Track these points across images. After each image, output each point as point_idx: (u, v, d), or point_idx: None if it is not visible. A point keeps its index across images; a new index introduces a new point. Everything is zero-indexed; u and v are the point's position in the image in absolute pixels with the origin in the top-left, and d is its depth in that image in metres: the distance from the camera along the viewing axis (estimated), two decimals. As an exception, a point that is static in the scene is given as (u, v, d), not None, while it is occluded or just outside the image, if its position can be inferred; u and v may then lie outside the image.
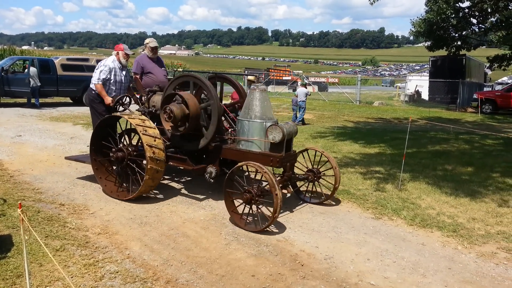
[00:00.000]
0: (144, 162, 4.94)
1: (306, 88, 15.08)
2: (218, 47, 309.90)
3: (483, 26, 22.58)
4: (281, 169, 5.09)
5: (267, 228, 4.36)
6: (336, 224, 4.73)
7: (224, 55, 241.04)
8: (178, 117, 4.77)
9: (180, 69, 5.97)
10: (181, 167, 5.96)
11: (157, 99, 5.65)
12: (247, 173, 5.55)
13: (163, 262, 3.65)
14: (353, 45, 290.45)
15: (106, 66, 6.09)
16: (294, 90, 21.02)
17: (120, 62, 6.20)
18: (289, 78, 34.93)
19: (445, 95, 24.66)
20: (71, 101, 17.25)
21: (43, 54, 41.25)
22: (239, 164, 4.51)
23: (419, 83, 30.53)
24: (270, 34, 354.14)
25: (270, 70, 40.65)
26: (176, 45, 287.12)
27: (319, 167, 5.41)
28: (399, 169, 6.60)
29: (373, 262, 3.84)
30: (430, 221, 4.87)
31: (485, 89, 28.59)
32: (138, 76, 6.53)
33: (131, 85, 6.68)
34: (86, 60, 17.67)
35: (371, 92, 37.97)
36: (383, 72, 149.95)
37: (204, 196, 5.51)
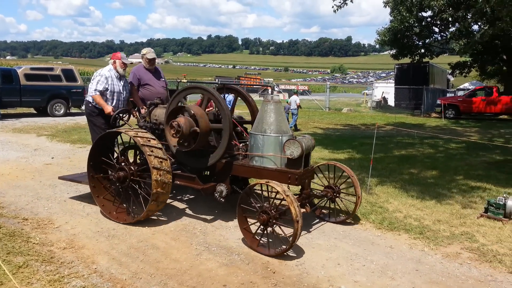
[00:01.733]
0: (148, 181, 4.58)
1: (297, 96, 16.20)
2: (188, 55, 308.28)
3: (445, 35, 23.54)
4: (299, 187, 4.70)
5: (241, 238, 4.34)
6: (306, 229, 4.76)
7: (194, 64, 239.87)
8: (186, 133, 4.41)
9: (184, 80, 5.66)
10: (187, 186, 5.10)
11: (159, 112, 5.27)
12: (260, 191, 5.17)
13: (131, 275, 3.56)
14: (321, 53, 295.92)
15: (102, 75, 5.72)
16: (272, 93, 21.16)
17: (117, 71, 5.85)
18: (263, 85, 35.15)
19: (410, 101, 25.47)
20: (35, 111, 16.69)
21: (6, 63, 39.81)
22: (257, 182, 4.16)
23: (386, 90, 31.42)
24: (240, 42, 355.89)
25: (241, 78, 40.79)
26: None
27: (336, 182, 5.04)
28: (367, 174, 6.73)
29: (343, 266, 3.89)
30: (397, 224, 4.99)
31: (448, 95, 29.70)
32: (135, 88, 6.17)
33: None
34: (51, 69, 17.17)
35: (339, 99, 38.76)
36: (351, 79, 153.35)
37: (174, 206, 5.43)
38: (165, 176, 4.45)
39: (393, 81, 30.61)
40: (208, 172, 5.06)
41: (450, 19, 20.01)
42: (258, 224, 4.10)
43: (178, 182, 4.84)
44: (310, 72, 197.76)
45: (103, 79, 5.71)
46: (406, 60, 26.49)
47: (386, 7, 21.29)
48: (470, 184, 6.96)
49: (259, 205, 4.07)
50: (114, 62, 5.87)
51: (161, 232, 4.54)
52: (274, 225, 4.00)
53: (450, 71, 30.47)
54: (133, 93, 6.10)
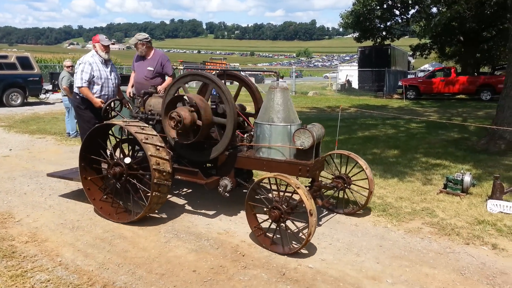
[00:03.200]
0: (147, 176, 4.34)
1: (282, 79, 15.78)
2: (152, 40, 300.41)
3: (405, 17, 24.08)
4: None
5: (210, 223, 4.34)
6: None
7: (158, 49, 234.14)
8: (188, 124, 4.10)
9: (181, 67, 5.35)
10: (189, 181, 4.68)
11: (154, 102, 4.95)
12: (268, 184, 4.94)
13: (98, 266, 3.50)
14: (287, 37, 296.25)
15: (86, 62, 5.30)
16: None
17: (100, 56, 5.40)
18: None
19: (373, 84, 26.06)
20: (-11, 102, 15.84)
21: (-46, 51, 37.38)
22: (266, 175, 3.89)
23: (350, 72, 31.96)
24: (204, 26, 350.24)
25: (206, 63, 40.24)
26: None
27: (347, 172, 4.87)
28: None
29: (311, 246, 3.97)
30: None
31: (409, 76, 30.55)
32: (129, 87, 5.94)
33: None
34: (5, 57, 16.27)
35: (305, 82, 39.08)
36: (316, 63, 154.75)
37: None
38: (164, 164, 4.16)
39: (357, 64, 31.13)
40: (210, 165, 4.79)
41: (410, 2, 20.52)
42: (268, 220, 3.86)
43: (180, 177, 4.51)
44: (276, 56, 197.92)
45: (87, 66, 5.28)
46: (369, 43, 26.96)
47: (348, -10, 21.48)
48: (430, 162, 7.25)
49: (269, 200, 3.85)
50: (94, 46, 5.44)
51: (128, 221, 4.47)
52: (287, 221, 3.76)
53: (410, 53, 31.30)
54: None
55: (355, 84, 29.83)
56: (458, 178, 5.43)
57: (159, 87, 5.47)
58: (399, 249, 3.94)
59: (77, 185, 5.65)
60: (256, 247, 3.92)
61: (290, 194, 3.85)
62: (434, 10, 19.75)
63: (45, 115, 13.67)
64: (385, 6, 23.06)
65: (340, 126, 7.10)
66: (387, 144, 8.84)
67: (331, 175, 4.94)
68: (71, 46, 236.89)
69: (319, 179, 4.50)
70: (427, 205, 5.07)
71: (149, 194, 4.21)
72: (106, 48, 5.42)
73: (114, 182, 4.46)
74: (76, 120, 9.70)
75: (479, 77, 22.48)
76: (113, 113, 5.33)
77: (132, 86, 5.93)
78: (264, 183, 4.15)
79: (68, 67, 9.74)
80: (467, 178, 5.38)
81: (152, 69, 5.86)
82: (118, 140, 4.83)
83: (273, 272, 3.46)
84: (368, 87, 26.60)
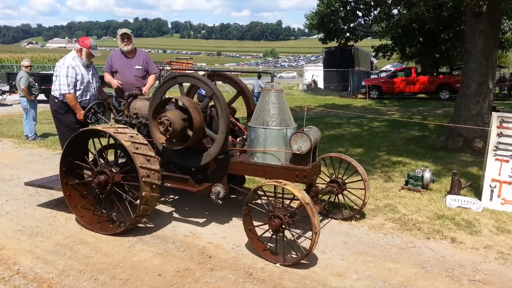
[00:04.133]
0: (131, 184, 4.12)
1: (260, 79, 16.49)
2: (114, 39, 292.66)
3: (367, 19, 24.69)
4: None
5: (176, 226, 4.28)
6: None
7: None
8: (178, 129, 3.89)
9: (168, 67, 5.08)
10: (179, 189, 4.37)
11: (139, 104, 4.68)
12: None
13: (59, 273, 3.37)
14: (253, 37, 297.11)
15: (69, 66, 4.91)
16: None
17: (82, 59, 5.06)
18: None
19: (338, 84, 26.60)
20: None
21: None
22: (265, 182, 3.70)
23: (315, 73, 32.46)
24: (170, 26, 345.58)
25: (172, 63, 39.76)
26: (66, 37, 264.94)
27: (340, 175, 4.72)
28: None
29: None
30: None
31: (372, 76, 31.37)
32: (107, 75, 5.60)
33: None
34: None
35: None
36: (283, 63, 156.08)
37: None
38: (154, 176, 3.93)
39: (322, 65, 31.66)
40: (202, 171, 4.50)
41: (372, 3, 21.02)
42: (265, 228, 3.67)
43: (169, 185, 4.22)
44: (243, 56, 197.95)
45: (71, 70, 4.91)
46: (333, 43, 27.46)
47: (313, -9, 21.80)
48: (392, 159, 7.46)
49: (269, 208, 3.64)
50: (80, 50, 5.03)
51: (91, 226, 4.33)
52: (286, 230, 3.57)
53: (373, 54, 32.14)
54: (105, 78, 5.61)
55: (320, 84, 30.34)
56: (419, 175, 5.61)
57: (144, 89, 5.27)
58: (363, 245, 4.03)
59: (36, 190, 5.43)
60: (223, 248, 3.90)
61: (288, 201, 3.73)
62: (395, 11, 20.39)
63: (1, 117, 13.05)
64: (348, 7, 23.54)
65: (307, 125, 7.16)
66: (351, 143, 9.03)
67: (325, 179, 4.79)
68: (30, 45, 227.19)
69: (316, 184, 4.33)
70: (389, 202, 5.22)
71: (135, 202, 4.03)
72: (91, 56, 5.13)
73: (97, 191, 4.18)
74: (35, 122, 9.34)
75: (438, 77, 23.41)
76: (94, 117, 5.05)
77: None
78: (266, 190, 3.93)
79: (26, 67, 9.36)
80: (427, 175, 5.58)
81: (141, 67, 5.69)
82: (103, 146, 4.51)
83: (240, 272, 3.45)
84: (333, 87, 27.12)
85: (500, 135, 5.15)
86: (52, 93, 5.08)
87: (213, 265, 3.56)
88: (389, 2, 18.47)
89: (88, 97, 5.16)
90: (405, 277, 3.44)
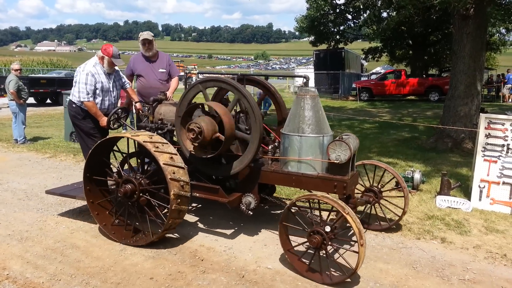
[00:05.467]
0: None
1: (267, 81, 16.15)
2: (105, 42, 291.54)
3: (357, 22, 24.89)
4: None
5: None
6: (234, 215, 4.81)
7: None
8: (208, 137, 3.70)
9: (195, 71, 4.76)
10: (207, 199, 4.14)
11: (164, 109, 4.54)
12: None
13: (49, 278, 3.34)
14: (244, 39, 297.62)
15: (88, 73, 4.72)
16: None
17: (103, 67, 4.86)
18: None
19: (329, 86, 26.70)
20: None
21: None
22: (305, 196, 3.48)
23: (306, 75, 32.53)
24: (160, 28, 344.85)
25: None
26: (56, 40, 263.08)
27: (377, 184, 4.54)
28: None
29: (269, 247, 4.00)
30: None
31: (362, 78, 31.55)
32: (134, 95, 5.33)
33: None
34: None
35: (263, 85, 39.26)
36: (274, 66, 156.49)
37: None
38: (184, 188, 3.74)
39: (313, 67, 31.79)
40: (231, 180, 4.33)
41: (361, 6, 21.19)
42: (306, 244, 3.46)
43: (198, 195, 4.01)
44: (234, 59, 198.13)
45: (90, 78, 4.73)
46: (324, 46, 27.60)
47: (303, -6, 21.95)
48: (383, 160, 7.50)
49: (309, 224, 3.43)
50: (102, 58, 4.84)
51: (81, 231, 4.30)
52: (329, 247, 3.34)
53: (363, 56, 32.38)
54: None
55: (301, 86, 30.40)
56: (409, 176, 5.67)
57: (168, 93, 5.12)
58: (355, 246, 4.05)
59: (25, 195, 5.38)
60: (215, 251, 3.89)
61: (328, 215, 3.54)
62: (385, 14, 20.60)
63: (-11, 121, 12.87)
64: (338, 10, 23.71)
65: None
66: (342, 145, 9.07)
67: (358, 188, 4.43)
68: (19, 48, 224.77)
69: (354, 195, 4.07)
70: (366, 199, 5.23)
71: (165, 211, 3.91)
72: (114, 65, 4.92)
73: (125, 203, 3.99)
74: (24, 126, 9.24)
75: (428, 79, 23.68)
76: (117, 123, 4.91)
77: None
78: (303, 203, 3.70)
79: (16, 70, 9.25)
80: (417, 176, 5.63)
81: (165, 70, 5.54)
82: (124, 155, 4.28)
83: (232, 275, 3.45)
84: (324, 89, 27.22)
85: (488, 136, 5.23)
86: (70, 97, 4.94)
87: (205, 268, 3.55)
88: (379, 5, 18.68)
89: (106, 106, 4.96)
90: (396, 277, 3.47)
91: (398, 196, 4.58)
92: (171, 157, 3.73)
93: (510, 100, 21.83)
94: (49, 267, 3.52)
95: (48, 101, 19.86)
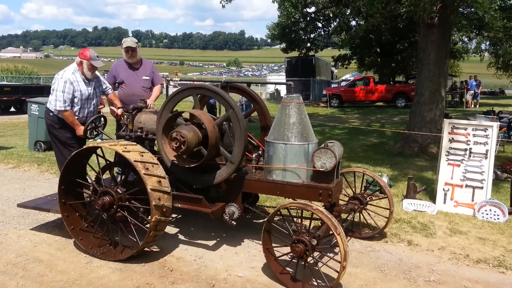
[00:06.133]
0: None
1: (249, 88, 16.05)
2: (72, 48, 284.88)
3: (327, 30, 25.39)
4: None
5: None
6: (205, 224, 4.76)
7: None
8: (192, 146, 3.60)
9: (176, 78, 4.64)
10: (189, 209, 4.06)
11: (144, 118, 4.39)
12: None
13: (9, 294, 3.20)
14: (216, 46, 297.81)
15: (66, 81, 4.50)
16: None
17: (83, 74, 4.64)
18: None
19: (300, 92, 26.89)
20: None
21: None
22: (287, 204, 3.42)
23: (280, 81, 32.84)
24: (130, 34, 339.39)
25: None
26: (21, 46, 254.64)
27: (363, 192, 4.53)
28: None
29: (241, 255, 3.98)
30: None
31: (332, 85, 32.13)
32: (116, 99, 5.12)
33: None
34: None
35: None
36: (246, 73, 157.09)
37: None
38: (165, 199, 3.64)
39: (285, 74, 32.13)
40: (214, 190, 4.24)
41: (331, 15, 21.65)
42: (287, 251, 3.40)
43: (180, 205, 3.92)
44: (206, 66, 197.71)
45: (68, 86, 4.51)
46: (295, 53, 27.96)
47: (274, 2, 22.18)
48: (352, 165, 7.65)
49: (293, 230, 3.39)
50: (81, 63, 4.62)
51: (44, 244, 4.15)
52: (311, 257, 3.29)
53: (333, 64, 32.99)
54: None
55: (283, 93, 30.72)
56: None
57: (148, 101, 4.99)
58: (324, 250, 4.08)
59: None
60: (185, 261, 3.84)
61: (309, 222, 3.47)
62: (353, 23, 21.12)
63: None
64: (308, 18, 24.11)
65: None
66: (313, 151, 9.18)
67: (345, 195, 4.52)
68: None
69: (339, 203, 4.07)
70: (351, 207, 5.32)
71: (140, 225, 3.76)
72: (94, 69, 4.70)
73: (100, 213, 3.85)
74: None
75: (395, 85, 24.36)
76: (94, 132, 4.74)
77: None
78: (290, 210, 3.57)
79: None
80: (385, 180, 5.76)
81: (148, 78, 5.41)
82: (108, 163, 4.12)
83: (203, 284, 3.41)
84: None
85: (451, 140, 5.42)
86: (47, 105, 4.71)
87: (174, 279, 3.49)
88: (347, 14, 19.13)
89: (85, 114, 4.76)
90: (365, 280, 3.52)
91: (382, 198, 4.61)
92: (159, 181, 3.63)
93: (473, 106, 22.73)
94: (9, 283, 3.37)
95: (12, 109, 19.18)
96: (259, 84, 41.70)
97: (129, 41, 5.33)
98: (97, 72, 4.84)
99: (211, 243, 4.25)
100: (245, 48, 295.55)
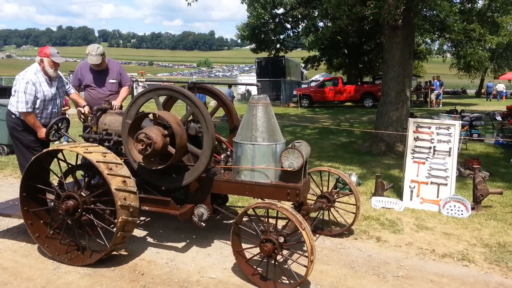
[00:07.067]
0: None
1: (231, 88, 16.49)
2: (36, 48, 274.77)
3: (296, 31, 25.65)
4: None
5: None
6: (176, 226, 4.72)
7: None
8: (159, 147, 3.55)
9: (142, 79, 4.43)
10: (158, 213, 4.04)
11: (109, 119, 4.29)
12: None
13: (-29, 305, 3.06)
14: (186, 47, 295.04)
15: (28, 82, 4.33)
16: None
17: (46, 74, 4.48)
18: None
19: (271, 93, 27.12)
20: None
21: None
22: (258, 203, 3.47)
23: (249, 82, 32.87)
24: (97, 34, 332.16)
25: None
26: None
27: (330, 190, 4.60)
28: (233, 164, 6.96)
29: (213, 256, 3.97)
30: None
31: (302, 86, 32.48)
32: (80, 99, 5.00)
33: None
34: None
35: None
36: (217, 74, 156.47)
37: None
38: (131, 198, 3.57)
39: (255, 74, 32.22)
40: (183, 191, 4.21)
41: (299, 16, 21.90)
42: (256, 251, 3.42)
43: (147, 208, 3.85)
44: (176, 66, 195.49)
45: (30, 87, 4.34)
46: (265, 54, 28.09)
47: (243, 3, 22.19)
48: (322, 164, 7.77)
49: (261, 231, 3.42)
50: (41, 62, 4.46)
51: (9, 250, 4.00)
52: (279, 255, 3.32)
53: (303, 65, 33.36)
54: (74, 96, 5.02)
55: (254, 94, 30.78)
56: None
57: (113, 102, 4.85)
58: (295, 249, 4.13)
59: None
60: (156, 264, 3.79)
61: (276, 221, 3.53)
62: (321, 24, 21.43)
63: None
64: (277, 20, 24.30)
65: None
66: (284, 151, 9.26)
67: (313, 194, 4.61)
68: None
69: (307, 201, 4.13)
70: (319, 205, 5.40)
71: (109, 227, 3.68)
72: (56, 66, 4.53)
73: (65, 218, 3.74)
74: None
75: (363, 86, 24.90)
76: (57, 135, 4.60)
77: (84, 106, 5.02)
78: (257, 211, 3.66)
79: None
80: (354, 178, 5.89)
81: (115, 81, 5.25)
82: (70, 166, 4.02)
83: (175, 287, 3.38)
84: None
85: (416, 139, 5.60)
86: (9, 107, 4.53)
87: (145, 283, 3.44)
88: (315, 15, 19.40)
89: (48, 116, 4.61)
90: (336, 277, 3.59)
91: (348, 194, 4.71)
92: (124, 181, 3.57)
93: (436, 105, 23.55)
94: (-30, 293, 3.23)
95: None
96: (231, 85, 41.68)
97: (94, 59, 5.05)
98: (59, 72, 4.71)
99: (182, 245, 4.22)
100: (215, 49, 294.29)
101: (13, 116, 4.50)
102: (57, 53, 4.58)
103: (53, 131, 4.51)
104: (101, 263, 3.73)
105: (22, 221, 3.94)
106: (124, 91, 5.42)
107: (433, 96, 23.80)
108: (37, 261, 3.79)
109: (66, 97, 5.02)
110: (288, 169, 3.58)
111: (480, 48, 19.50)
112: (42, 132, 4.46)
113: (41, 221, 3.95)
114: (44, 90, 4.50)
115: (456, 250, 4.17)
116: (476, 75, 33.21)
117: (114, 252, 3.95)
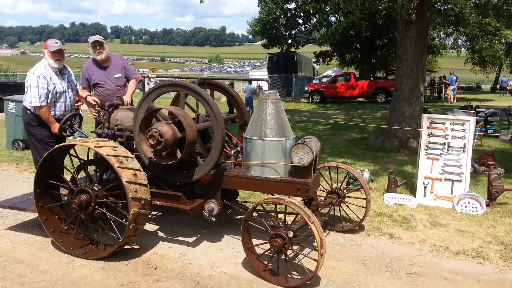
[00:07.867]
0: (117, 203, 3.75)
1: (251, 84, 16.65)
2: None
3: (308, 26, 25.47)
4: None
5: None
6: (189, 221, 4.75)
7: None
8: (169, 143, 3.59)
9: (153, 75, 4.52)
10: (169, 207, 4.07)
11: (121, 115, 4.34)
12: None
13: (-11, 297, 3.13)
14: (197, 43, 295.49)
15: (40, 76, 4.41)
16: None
17: (53, 67, 4.54)
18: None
19: (282, 89, 27.06)
20: None
21: None
22: (266, 199, 3.47)
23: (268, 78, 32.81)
24: (109, 30, 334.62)
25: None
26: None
27: (339, 185, 4.58)
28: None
29: (225, 251, 3.99)
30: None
31: (314, 81, 32.32)
32: (84, 91, 5.08)
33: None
34: None
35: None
36: (228, 69, 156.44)
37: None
38: (142, 191, 3.61)
39: (266, 70, 32.13)
40: (193, 186, 4.25)
41: (311, 11, 21.73)
42: (267, 247, 3.43)
43: (159, 203, 3.92)
44: (187, 62, 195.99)
45: (42, 81, 4.42)
46: (276, 49, 27.98)
47: (254, -2, 22.12)
48: (335, 161, 7.72)
49: (270, 226, 3.43)
50: (44, 55, 4.57)
51: (25, 244, 4.08)
52: (290, 250, 3.35)
53: (314, 60, 33.14)
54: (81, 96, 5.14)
55: (265, 89, 30.73)
56: (359, 175, 5.86)
57: (124, 97, 4.89)
58: (308, 245, 4.13)
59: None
60: (169, 258, 3.82)
61: (289, 217, 3.53)
62: (333, 19, 21.24)
63: None
64: (289, 15, 24.15)
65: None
66: (296, 146, 9.24)
67: (323, 191, 4.61)
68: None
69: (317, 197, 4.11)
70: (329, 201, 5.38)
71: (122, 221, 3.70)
72: (55, 55, 4.53)
73: (78, 212, 3.80)
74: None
75: (375, 81, 24.65)
76: (70, 130, 4.64)
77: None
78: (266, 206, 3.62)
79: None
80: (366, 175, 5.85)
81: (120, 75, 5.29)
82: (82, 161, 4.10)
83: (187, 282, 3.41)
84: (278, 92, 27.57)
85: (430, 135, 5.53)
86: (24, 103, 4.60)
87: (158, 276, 3.48)
88: (327, 10, 19.22)
89: (63, 108, 4.68)
90: (348, 274, 3.57)
91: (359, 189, 4.67)
92: (135, 174, 3.61)
93: (454, 101, 23.18)
94: (-11, 285, 3.30)
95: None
96: (241, 81, 41.64)
97: (95, 37, 5.17)
98: (67, 66, 4.79)
99: (194, 240, 4.25)
100: (227, 44, 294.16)
101: (29, 112, 4.57)
102: (55, 43, 4.60)
103: (66, 127, 4.57)
104: (115, 257, 3.78)
105: (37, 215, 4.01)
106: (131, 84, 5.42)
107: (449, 92, 23.44)
108: (52, 254, 3.86)
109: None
110: (298, 164, 3.58)
111: (496, 42, 19.12)
112: (55, 127, 4.51)
113: (56, 217, 4.02)
114: (56, 83, 4.56)
115: (470, 247, 4.12)
116: (491, 70, 32.60)
117: (127, 246, 4.00)
